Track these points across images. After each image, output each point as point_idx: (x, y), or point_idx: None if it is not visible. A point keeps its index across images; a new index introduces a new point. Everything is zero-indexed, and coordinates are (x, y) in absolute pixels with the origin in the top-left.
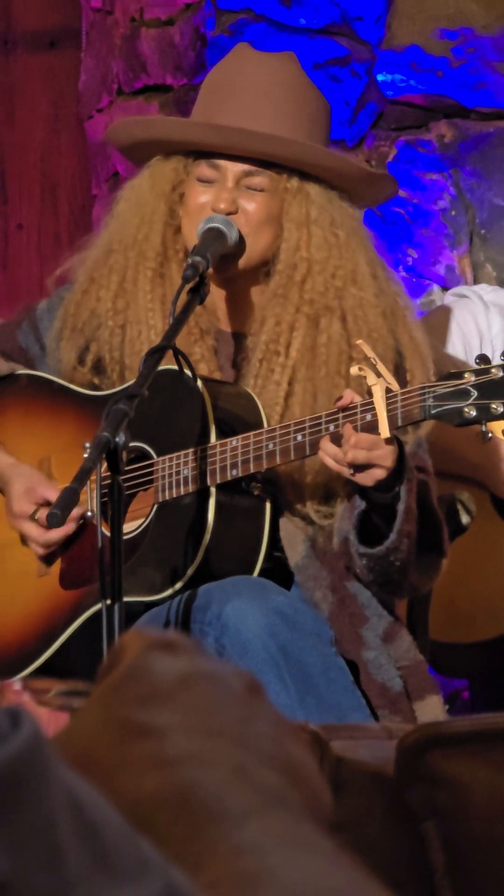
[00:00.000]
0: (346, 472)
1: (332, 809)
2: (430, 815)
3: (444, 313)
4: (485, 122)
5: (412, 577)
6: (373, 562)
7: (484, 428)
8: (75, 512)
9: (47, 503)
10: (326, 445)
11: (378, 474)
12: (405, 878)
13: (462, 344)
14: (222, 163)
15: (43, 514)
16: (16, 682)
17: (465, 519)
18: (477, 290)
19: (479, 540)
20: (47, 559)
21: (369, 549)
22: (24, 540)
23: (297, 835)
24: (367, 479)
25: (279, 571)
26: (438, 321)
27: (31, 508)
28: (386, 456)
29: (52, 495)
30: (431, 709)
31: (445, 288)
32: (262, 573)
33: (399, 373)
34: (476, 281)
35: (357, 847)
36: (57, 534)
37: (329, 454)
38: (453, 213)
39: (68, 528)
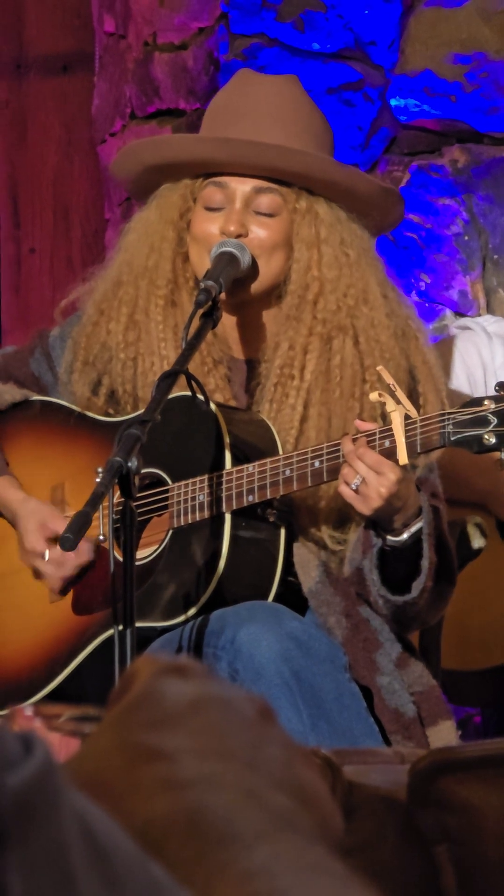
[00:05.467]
0: (350, 493)
1: (344, 834)
2: (442, 839)
3: (448, 345)
4: (498, 147)
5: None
6: (390, 604)
7: (503, 456)
8: (85, 545)
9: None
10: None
11: (374, 502)
12: None
13: (466, 375)
14: (231, 183)
15: (54, 553)
16: (27, 708)
17: (476, 543)
18: (480, 321)
19: (487, 566)
20: (61, 591)
21: (389, 594)
22: (36, 572)
23: (307, 858)
24: (364, 505)
25: (293, 596)
26: (442, 353)
27: (44, 546)
28: (387, 485)
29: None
30: (444, 734)
31: (458, 313)
32: (277, 598)
33: (412, 396)
34: (489, 305)
35: (369, 871)
36: (70, 571)
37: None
38: (466, 238)
39: (81, 560)
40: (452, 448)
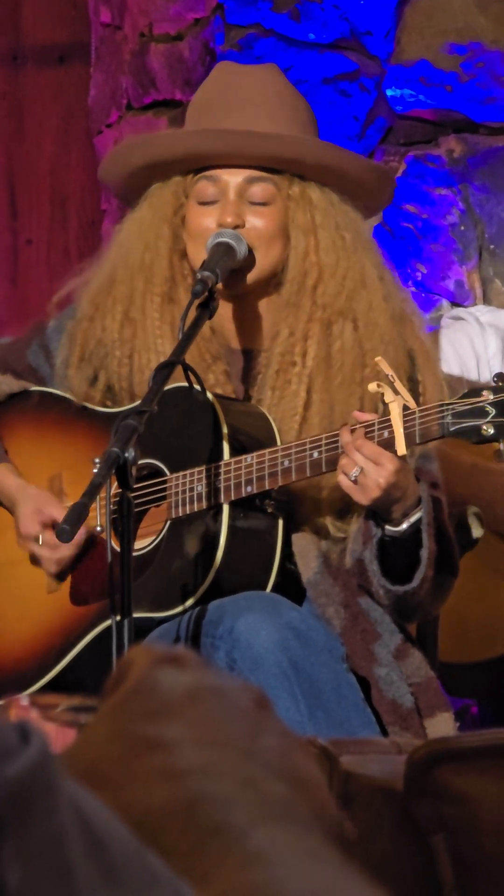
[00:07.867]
0: (348, 483)
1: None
2: (438, 829)
3: (441, 336)
4: (494, 137)
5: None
6: (391, 594)
7: (501, 447)
8: (82, 531)
9: (55, 524)
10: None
11: (373, 492)
12: (414, 892)
13: (459, 366)
14: (223, 176)
15: (49, 535)
16: (24, 698)
17: (476, 533)
18: (473, 311)
19: (485, 559)
20: (57, 575)
21: (389, 584)
22: (34, 558)
23: (304, 846)
24: (362, 496)
25: (291, 586)
26: (435, 344)
27: (38, 530)
28: (385, 475)
29: (60, 515)
30: (442, 726)
31: (454, 303)
32: (275, 588)
33: (411, 380)
34: (485, 295)
35: (366, 861)
36: (66, 551)
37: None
38: (462, 228)
39: (77, 545)
40: (435, 451)
